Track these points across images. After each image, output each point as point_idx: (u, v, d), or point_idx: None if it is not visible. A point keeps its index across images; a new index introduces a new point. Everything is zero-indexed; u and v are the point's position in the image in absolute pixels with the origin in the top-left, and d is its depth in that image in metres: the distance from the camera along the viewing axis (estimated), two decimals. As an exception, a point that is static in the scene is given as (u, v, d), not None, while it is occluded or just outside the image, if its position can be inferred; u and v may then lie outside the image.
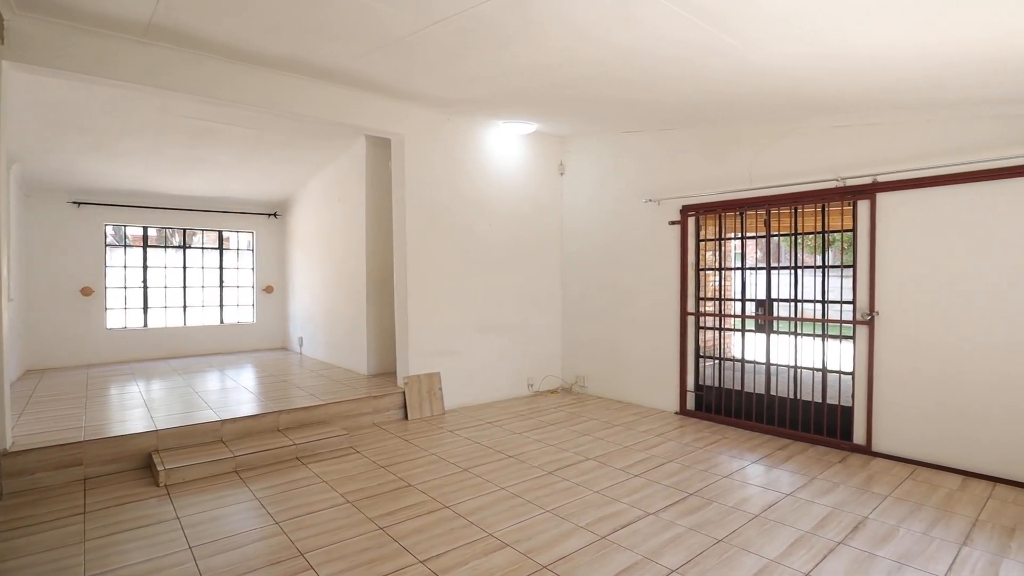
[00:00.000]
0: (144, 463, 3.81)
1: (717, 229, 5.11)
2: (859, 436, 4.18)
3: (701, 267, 5.20)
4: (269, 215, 8.56)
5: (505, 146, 5.93)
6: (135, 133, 5.24)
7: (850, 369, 4.24)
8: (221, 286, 8.32)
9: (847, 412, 4.27)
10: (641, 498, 3.33)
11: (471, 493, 3.41)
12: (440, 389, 5.38)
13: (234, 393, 5.20)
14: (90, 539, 2.80)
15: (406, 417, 5.15)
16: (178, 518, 3.04)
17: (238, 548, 2.71)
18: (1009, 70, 2.91)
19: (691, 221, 5.18)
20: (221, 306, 8.33)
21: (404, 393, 5.17)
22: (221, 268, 8.33)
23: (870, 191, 4.05)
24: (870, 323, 4.08)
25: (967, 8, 2.33)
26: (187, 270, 8.03)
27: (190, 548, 2.71)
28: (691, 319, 5.21)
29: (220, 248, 8.33)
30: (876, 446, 4.09)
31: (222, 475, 3.70)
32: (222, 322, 8.31)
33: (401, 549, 2.71)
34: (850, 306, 4.22)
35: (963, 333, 3.69)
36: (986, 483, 3.54)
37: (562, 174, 6.41)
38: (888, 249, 4.00)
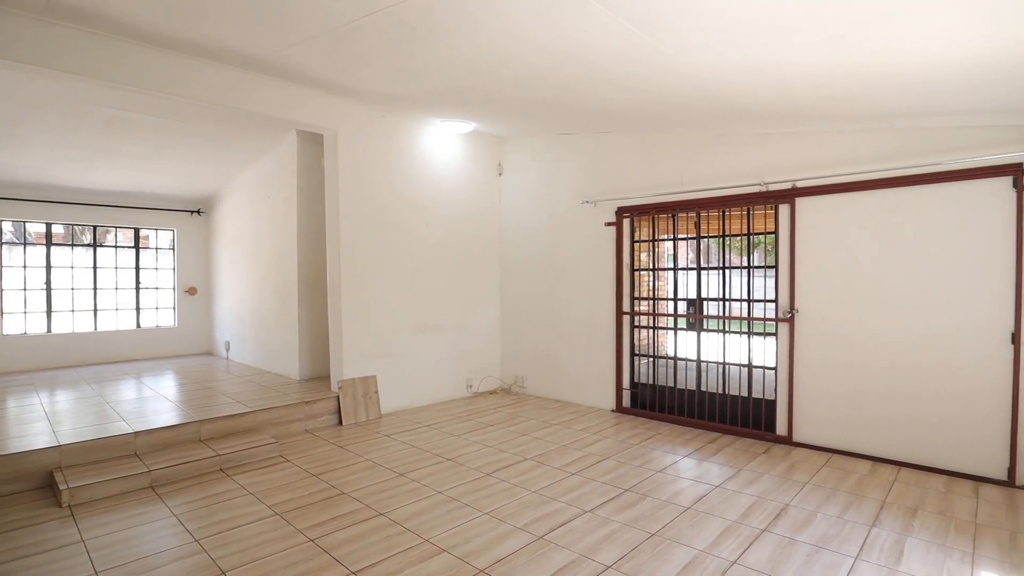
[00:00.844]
0: (45, 482, 3.48)
1: (651, 230, 5.25)
2: (781, 427, 4.41)
3: (636, 267, 5.33)
4: (192, 212, 8.07)
5: (443, 145, 5.85)
6: (36, 119, 4.77)
7: (773, 364, 4.47)
8: (137, 288, 7.76)
9: (771, 405, 4.50)
10: (578, 496, 3.37)
11: (407, 499, 3.33)
12: (376, 392, 5.23)
13: (151, 402, 4.84)
14: (-23, 569, 2.52)
15: (340, 422, 4.98)
16: (83, 541, 2.79)
17: (152, 570, 2.52)
18: (923, 92, 3.14)
19: (626, 223, 5.30)
20: (138, 309, 7.77)
21: (338, 397, 5.00)
22: (137, 268, 7.77)
23: (790, 196, 4.29)
24: (791, 320, 4.31)
25: (870, 36, 2.50)
26: (98, 270, 7.43)
27: (96, 574, 2.48)
28: (626, 318, 5.33)
29: (136, 247, 7.77)
30: (797, 436, 4.33)
31: (135, 492, 3.43)
32: (139, 326, 7.75)
33: (333, 561, 2.60)
34: (773, 304, 4.45)
35: (868, 328, 3.96)
36: (892, 467, 3.82)
37: (500, 174, 6.40)
38: (806, 250, 4.25)
